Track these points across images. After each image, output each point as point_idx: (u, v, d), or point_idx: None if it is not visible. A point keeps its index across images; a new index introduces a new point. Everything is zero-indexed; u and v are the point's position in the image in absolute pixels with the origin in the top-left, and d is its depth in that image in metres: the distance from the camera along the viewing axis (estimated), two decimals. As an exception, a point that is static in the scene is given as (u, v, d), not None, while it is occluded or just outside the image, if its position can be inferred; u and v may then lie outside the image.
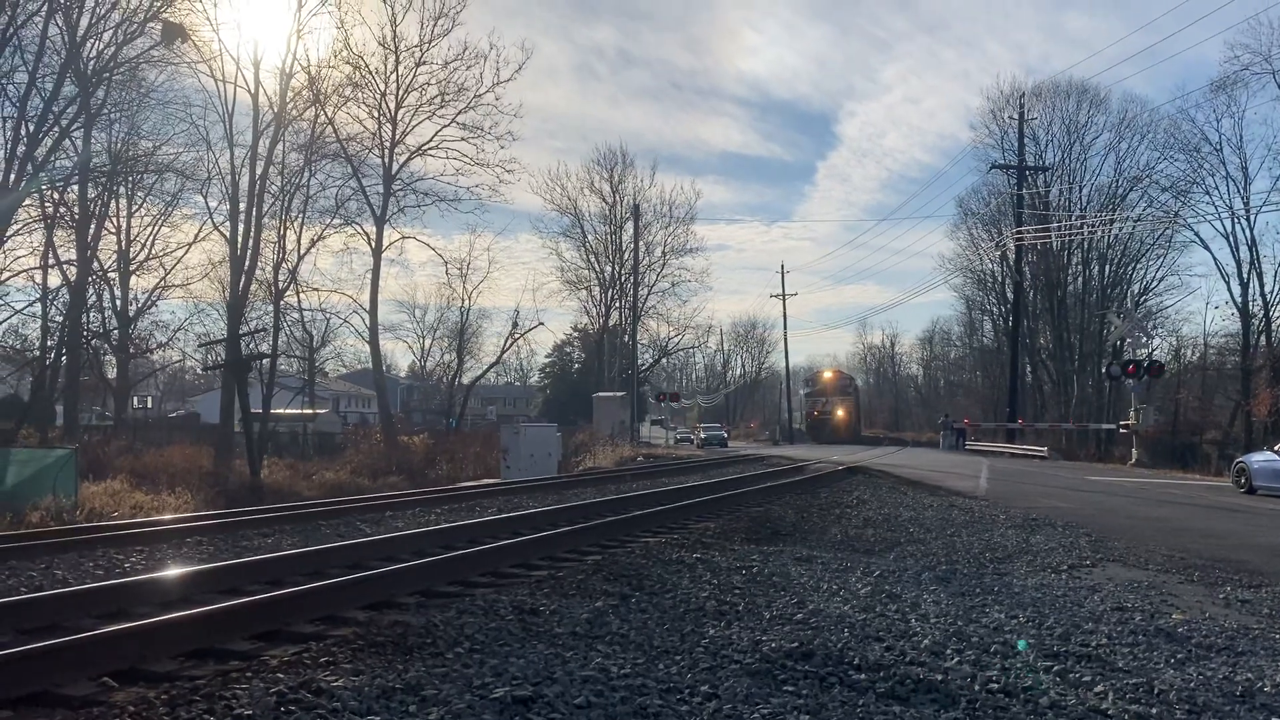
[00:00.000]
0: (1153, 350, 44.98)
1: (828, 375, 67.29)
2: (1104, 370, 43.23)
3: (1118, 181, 50.40)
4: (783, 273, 70.41)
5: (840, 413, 62.90)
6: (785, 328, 71.33)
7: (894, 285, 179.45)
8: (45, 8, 22.16)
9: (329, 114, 33.74)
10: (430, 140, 39.93)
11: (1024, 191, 48.87)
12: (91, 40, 24.03)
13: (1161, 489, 20.87)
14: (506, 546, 8.62)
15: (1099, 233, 47.79)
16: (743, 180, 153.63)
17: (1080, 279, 53.18)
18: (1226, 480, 22.50)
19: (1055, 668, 5.24)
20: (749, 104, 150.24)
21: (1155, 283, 50.25)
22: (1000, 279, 56.55)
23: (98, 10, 23.79)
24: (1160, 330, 49.44)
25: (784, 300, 69.74)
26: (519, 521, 11.03)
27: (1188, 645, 6.02)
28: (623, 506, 12.96)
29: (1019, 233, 46.77)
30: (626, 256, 58.36)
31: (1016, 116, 49.86)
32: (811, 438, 61.34)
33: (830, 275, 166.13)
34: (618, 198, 63.05)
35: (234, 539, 9.96)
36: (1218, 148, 42.87)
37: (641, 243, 58.12)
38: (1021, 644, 5.73)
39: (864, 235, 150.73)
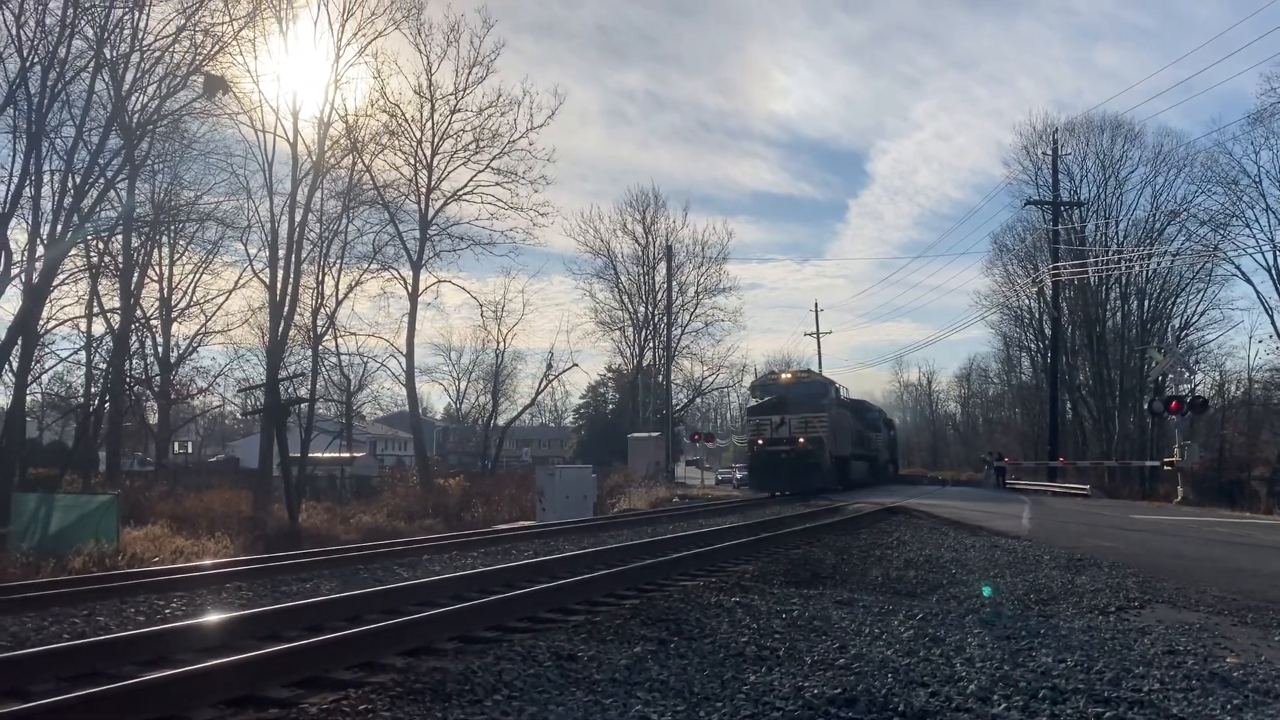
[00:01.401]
0: (1195, 385, 44.29)
1: (786, 377, 36.92)
2: (1146, 406, 42.55)
3: (1155, 216, 50.01)
4: (816, 311, 69.90)
5: (804, 440, 32.64)
6: (820, 366, 70.72)
7: (930, 322, 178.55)
8: (93, 64, 22.76)
9: (366, 162, 34.28)
10: (465, 186, 40.42)
11: (1059, 227, 48.54)
12: (136, 94, 24.67)
13: (1209, 527, 20.42)
14: (543, 591, 8.57)
15: (1137, 267, 47.35)
16: (774, 219, 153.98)
17: (1119, 314, 52.59)
18: (1277, 518, 21.96)
19: (1107, 714, 5.10)
20: (779, 144, 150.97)
21: (1196, 317, 49.63)
22: (1037, 315, 56.08)
23: (142, 65, 24.42)
24: (1203, 365, 48.76)
25: (818, 339, 69.19)
26: (555, 565, 10.98)
27: (1244, 690, 5.84)
28: (660, 549, 12.87)
29: (1055, 268, 46.37)
30: (660, 297, 58.52)
31: (1050, 152, 49.63)
32: (754, 484, 35.05)
33: (865, 313, 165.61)
34: (650, 238, 63.39)
35: (273, 584, 10.00)
36: (1257, 180, 42.51)
37: (674, 283, 58.28)
38: (1061, 683, 5.59)
39: (898, 273, 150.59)
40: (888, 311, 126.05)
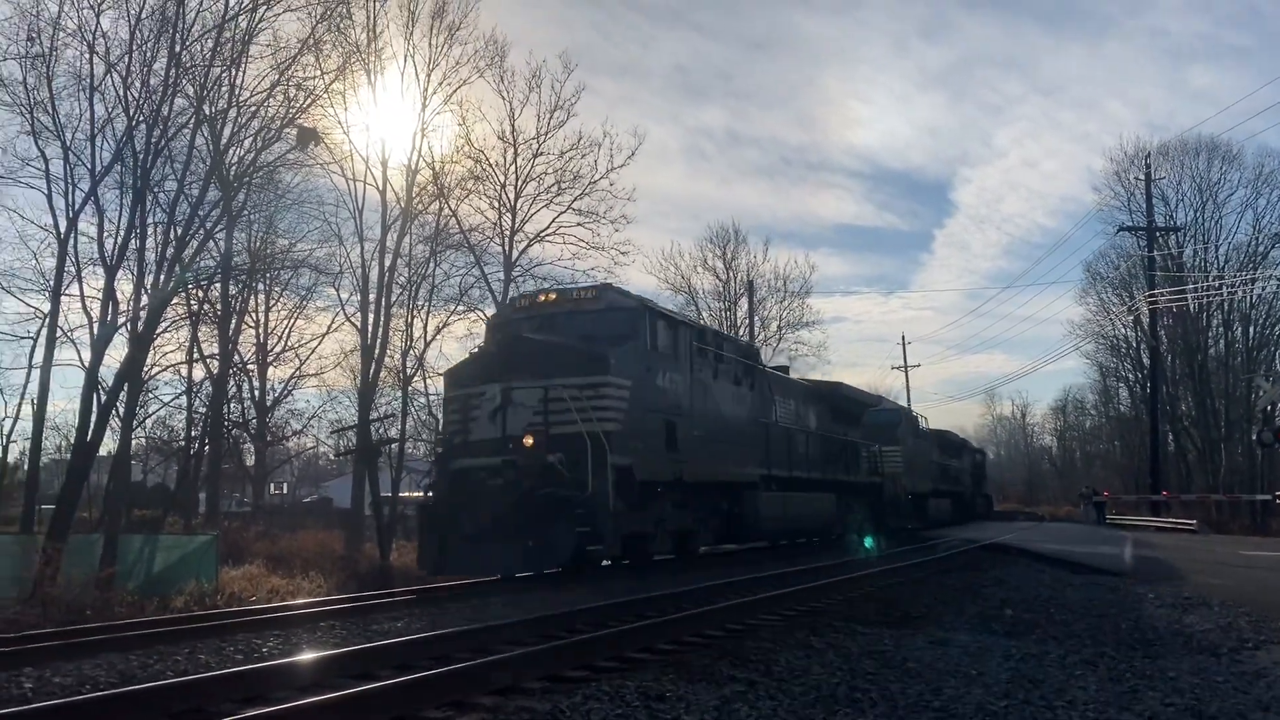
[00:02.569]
0: (1307, 414, 42.32)
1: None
2: (1254, 437, 40.77)
3: (1257, 239, 48.20)
4: (904, 344, 68.83)
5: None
6: (909, 400, 69.56)
7: (1021, 354, 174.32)
8: (193, 120, 23.76)
9: (453, 207, 34.96)
10: (548, 227, 40.88)
11: (1155, 253, 47.09)
12: (234, 148, 25.63)
13: (1328, 564, 19.39)
14: (632, 630, 8.54)
15: (1239, 293, 45.65)
16: (858, 251, 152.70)
17: (1222, 342, 50.64)
18: (1402, 553, 20.76)
19: (1221, 762, 4.85)
20: (861, 175, 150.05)
21: (1306, 343, 47.53)
22: (1135, 344, 54.27)
23: (239, 120, 25.39)
24: (1315, 393, 46.52)
25: (906, 372, 68.07)
26: (643, 605, 10.93)
27: (1372, 738, 5.51)
28: (748, 588, 12.72)
29: (1152, 296, 44.95)
30: (742, 332, 58.36)
31: (1143, 177, 48.29)
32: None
33: (954, 345, 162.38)
34: (731, 274, 63.19)
35: (364, 623, 10.14)
36: (1365, 199, 40.63)
37: (757, 318, 57.99)
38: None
39: (987, 303, 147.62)
40: (977, 343, 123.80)
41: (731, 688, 6.28)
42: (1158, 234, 48.23)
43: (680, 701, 5.82)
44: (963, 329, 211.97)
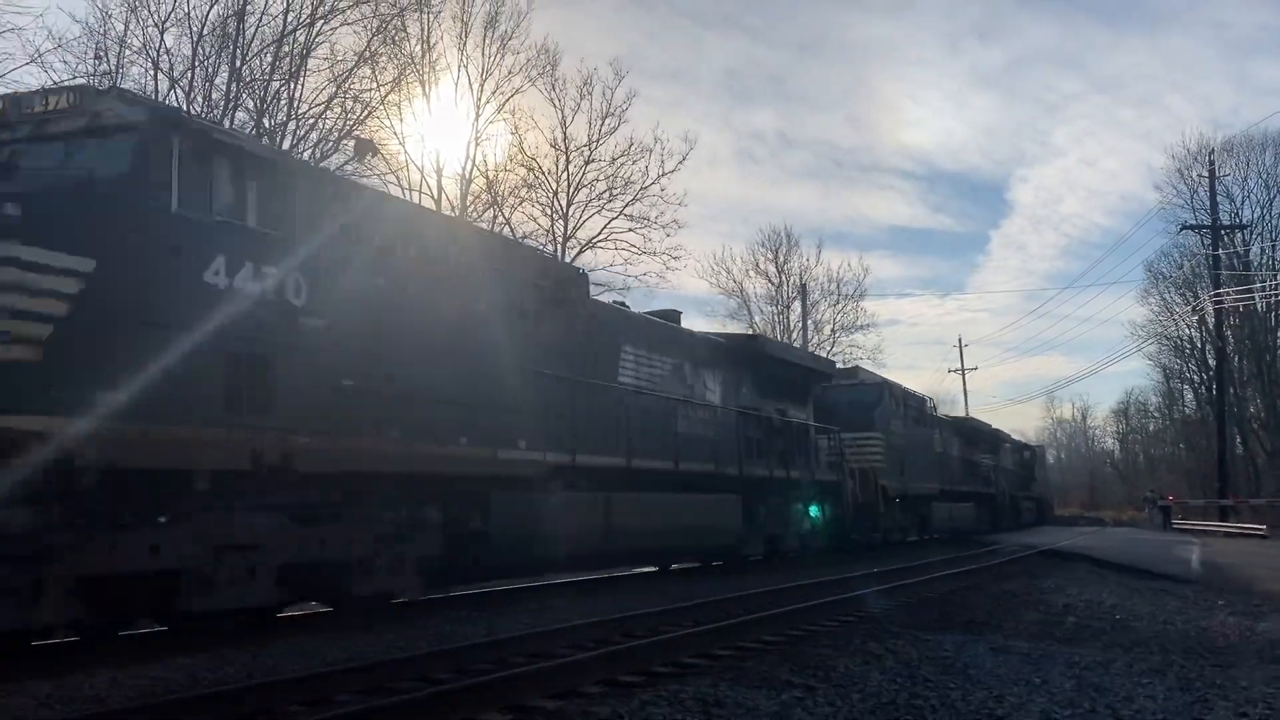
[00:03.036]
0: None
1: None
2: (1327, 440, 39.63)
3: (1327, 236, 46.86)
4: (960, 346, 67.82)
5: None
6: (966, 404, 68.55)
7: (1082, 355, 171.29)
8: (253, 133, 24.29)
9: (506, 215, 35.31)
10: (599, 233, 41.06)
11: (1220, 252, 45.97)
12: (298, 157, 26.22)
13: (1407, 570, 18.79)
14: (686, 637, 8.55)
15: (1310, 291, 44.39)
16: (912, 253, 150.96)
17: (1292, 341, 49.32)
18: None
19: (1296, 774, 4.73)
20: (915, 177, 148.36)
21: (1380, 342, 46.09)
22: (1200, 345, 53.06)
23: (298, 132, 25.92)
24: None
25: (963, 375, 67.08)
26: (696, 610, 10.93)
27: None
28: (803, 594, 12.66)
29: (1217, 296, 43.89)
30: (795, 336, 58.08)
31: (1207, 174, 47.18)
32: None
33: (1012, 347, 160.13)
34: (783, 278, 62.84)
35: (430, 624, 10.22)
36: None
37: (810, 321, 57.67)
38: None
39: (1046, 304, 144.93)
40: (1036, 345, 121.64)
41: (789, 693, 6.27)
42: (1223, 232, 47.08)
43: (739, 707, 5.82)
44: (1021, 331, 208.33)
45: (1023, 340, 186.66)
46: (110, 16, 23.46)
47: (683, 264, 59.34)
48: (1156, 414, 69.88)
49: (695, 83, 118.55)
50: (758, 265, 64.61)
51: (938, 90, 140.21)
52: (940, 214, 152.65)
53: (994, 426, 41.81)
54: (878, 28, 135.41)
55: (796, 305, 57.16)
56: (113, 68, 23.17)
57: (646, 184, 40.53)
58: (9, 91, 10.12)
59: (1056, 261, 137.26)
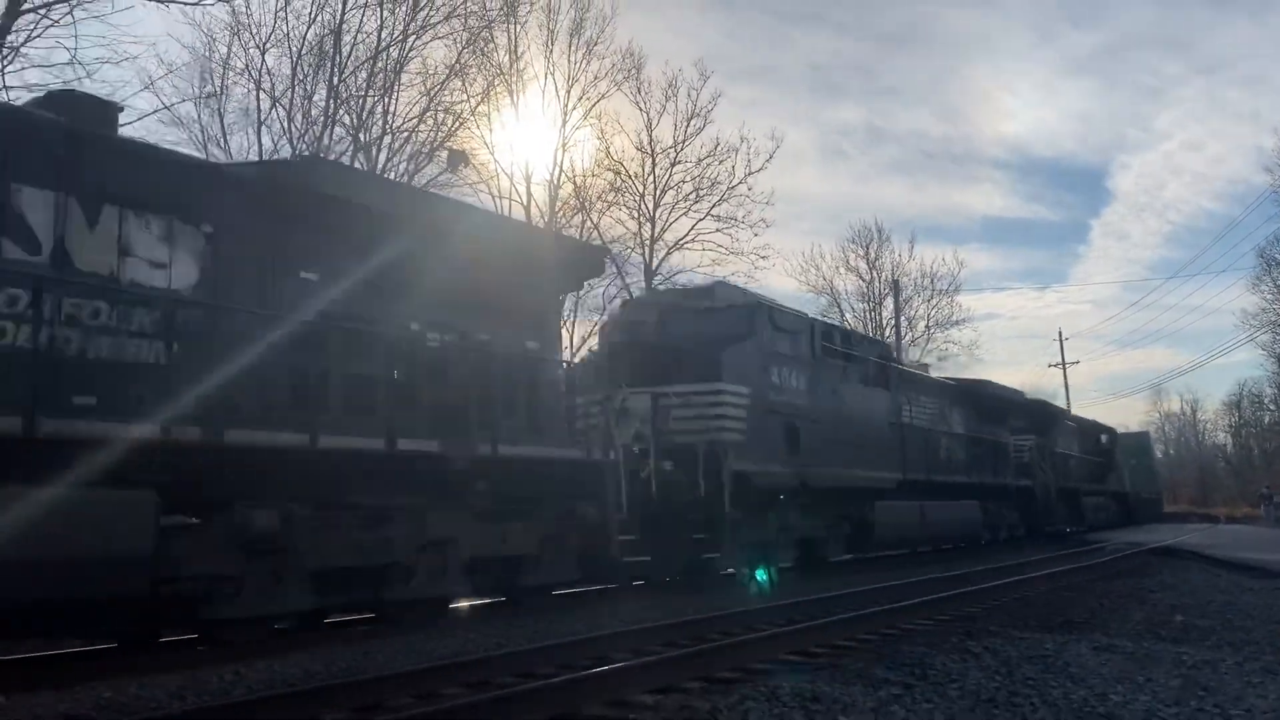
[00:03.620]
0: None
1: None
2: None
3: None
4: (1061, 340, 65.87)
5: None
6: (1068, 399, 66.54)
7: (1189, 347, 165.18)
8: (351, 148, 25.13)
9: (595, 219, 35.71)
10: (686, 235, 41.21)
11: (1337, 235, 43.92)
12: (390, 173, 26.97)
13: None
14: (783, 634, 8.65)
15: None
16: (1009, 245, 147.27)
17: None
18: None
19: None
20: (1009, 166, 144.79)
21: None
22: (1317, 333, 50.81)
23: (393, 145, 26.71)
24: None
25: (1064, 369, 65.14)
26: (791, 609, 10.98)
27: None
28: (901, 593, 12.59)
29: (1335, 281, 41.89)
30: (888, 333, 57.28)
31: (1321, 154, 45.09)
32: None
33: (1114, 340, 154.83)
34: (875, 274, 61.96)
35: (533, 622, 10.48)
36: None
37: (903, 318, 56.78)
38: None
39: (1150, 295, 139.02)
40: (1140, 337, 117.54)
41: (887, 690, 6.31)
42: (1340, 214, 44.91)
43: (836, 703, 5.89)
44: (1124, 323, 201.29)
45: (1126, 332, 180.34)
46: (215, 40, 24.53)
47: (771, 263, 59.10)
48: (1272, 406, 67.21)
49: (780, 80, 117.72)
50: (848, 262, 63.73)
51: (1030, 78, 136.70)
52: (1036, 204, 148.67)
53: (1048, 401, 34.40)
54: (967, 18, 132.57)
55: (889, 302, 56.38)
56: (218, 90, 24.22)
57: (733, 184, 40.52)
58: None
59: (1161, 249, 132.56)
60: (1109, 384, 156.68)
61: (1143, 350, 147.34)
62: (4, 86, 17.40)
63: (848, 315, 63.84)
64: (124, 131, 9.71)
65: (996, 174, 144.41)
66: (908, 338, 59.19)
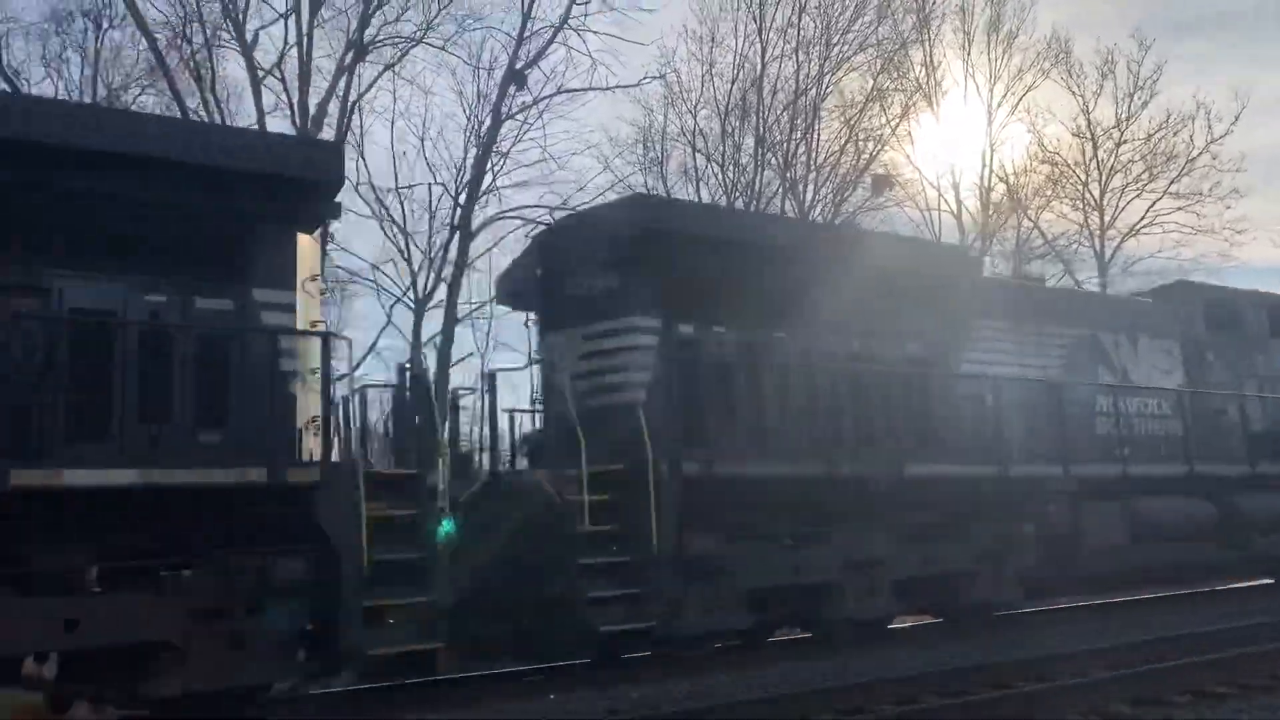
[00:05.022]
0: None
1: None
2: None
3: None
4: None
5: None
6: None
7: None
8: (779, 190, 26.51)
9: (1033, 217, 34.18)
10: (1142, 219, 37.91)
11: None
12: (815, 206, 27.98)
13: None
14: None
15: None
16: None
17: None
18: None
19: None
20: None
21: None
22: None
23: (817, 181, 27.79)
24: None
25: None
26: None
27: None
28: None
29: None
30: None
31: None
32: None
33: None
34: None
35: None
36: None
37: None
38: None
39: None
40: None
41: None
42: None
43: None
44: None
45: None
46: (652, 111, 27.25)
47: (1252, 237, 51.91)
48: None
49: (1237, 24, 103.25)
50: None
51: None
52: None
53: None
54: None
55: None
56: (659, 155, 26.88)
57: (1193, 155, 36.61)
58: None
59: None
60: None
61: None
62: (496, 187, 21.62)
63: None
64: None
65: None
66: None
